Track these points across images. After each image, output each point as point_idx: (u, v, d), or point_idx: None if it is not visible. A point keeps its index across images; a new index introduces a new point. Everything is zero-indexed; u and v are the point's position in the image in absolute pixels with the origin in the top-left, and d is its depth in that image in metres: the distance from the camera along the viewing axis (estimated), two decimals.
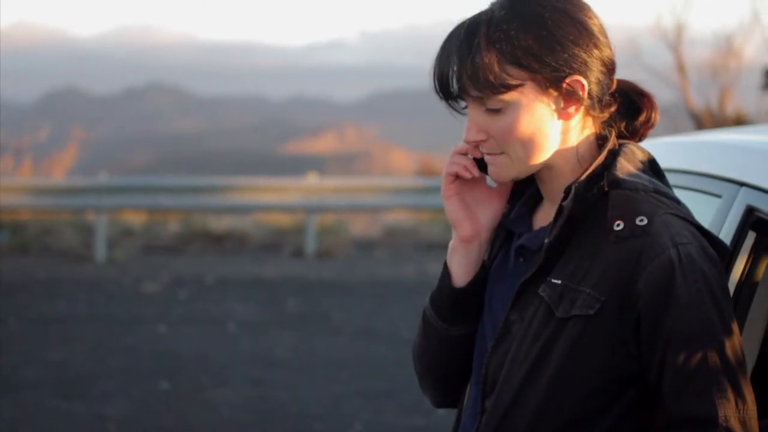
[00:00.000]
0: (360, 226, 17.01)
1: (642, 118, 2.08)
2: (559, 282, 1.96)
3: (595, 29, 2.00)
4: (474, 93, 1.98)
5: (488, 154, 2.03)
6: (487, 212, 2.11)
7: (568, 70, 1.96)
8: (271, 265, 14.06)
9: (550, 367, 1.93)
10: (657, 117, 2.09)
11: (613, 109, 2.05)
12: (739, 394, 1.89)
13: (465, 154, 2.09)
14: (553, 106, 1.98)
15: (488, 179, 2.12)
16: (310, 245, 14.82)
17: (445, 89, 2.01)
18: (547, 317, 1.95)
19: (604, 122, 2.04)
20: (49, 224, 15.46)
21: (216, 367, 8.59)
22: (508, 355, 1.98)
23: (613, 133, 2.04)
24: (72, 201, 14.73)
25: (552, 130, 1.99)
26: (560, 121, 1.99)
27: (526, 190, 2.12)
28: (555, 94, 1.97)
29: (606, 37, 2.02)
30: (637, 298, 1.91)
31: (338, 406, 7.52)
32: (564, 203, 1.97)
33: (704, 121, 15.49)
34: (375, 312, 10.80)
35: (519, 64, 1.95)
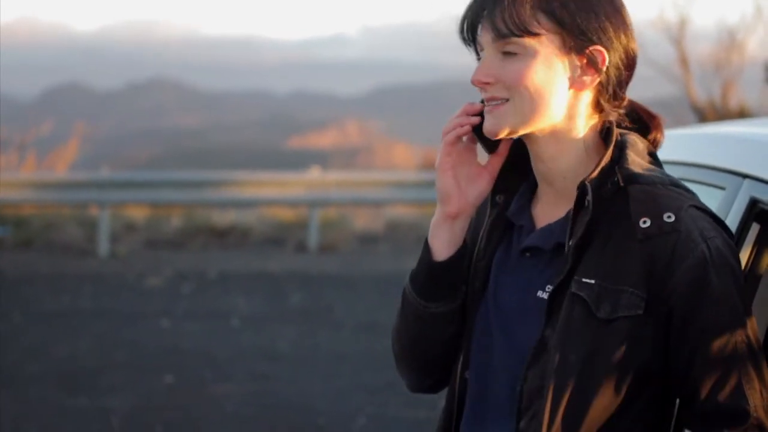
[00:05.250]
0: (363, 220, 17.00)
1: (650, 137, 2.08)
2: (593, 282, 1.93)
3: (628, 19, 2.02)
4: (500, 26, 1.96)
5: (491, 101, 2.00)
6: (475, 191, 2.09)
7: (594, 39, 1.97)
8: (274, 259, 14.06)
9: (600, 370, 1.91)
10: (662, 138, 2.10)
11: (622, 111, 2.04)
12: (763, 383, 1.92)
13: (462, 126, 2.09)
14: (569, 70, 1.98)
15: (479, 155, 2.11)
16: (313, 239, 14.82)
17: (472, 28, 2.01)
18: (586, 317, 1.93)
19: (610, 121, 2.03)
20: (52, 219, 15.47)
21: (219, 361, 8.60)
22: (548, 365, 1.93)
23: (614, 125, 2.02)
24: (75, 196, 14.74)
25: (560, 94, 1.98)
26: (571, 90, 1.99)
27: (521, 185, 2.11)
28: (575, 58, 1.98)
29: (633, 32, 2.03)
30: (669, 294, 1.91)
31: (342, 400, 7.53)
32: (588, 199, 1.95)
33: (707, 114, 15.46)
34: (378, 306, 10.80)
35: (552, 15, 1.96)
